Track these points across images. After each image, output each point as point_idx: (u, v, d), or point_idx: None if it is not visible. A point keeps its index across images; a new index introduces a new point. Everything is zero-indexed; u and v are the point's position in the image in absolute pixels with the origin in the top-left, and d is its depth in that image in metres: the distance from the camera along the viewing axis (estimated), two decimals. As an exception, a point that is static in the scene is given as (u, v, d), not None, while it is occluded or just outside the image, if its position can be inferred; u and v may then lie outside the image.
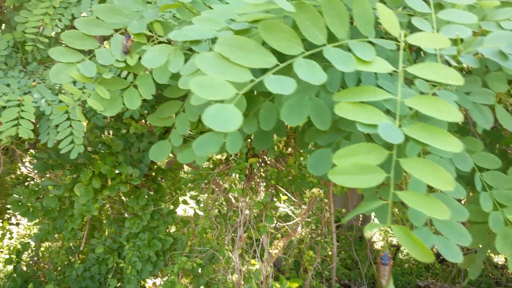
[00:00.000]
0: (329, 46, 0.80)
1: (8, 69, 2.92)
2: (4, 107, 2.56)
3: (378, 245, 9.05)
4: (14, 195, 4.43)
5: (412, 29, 0.90)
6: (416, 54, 1.09)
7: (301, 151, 3.57)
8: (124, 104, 1.25)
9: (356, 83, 0.93)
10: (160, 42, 1.32)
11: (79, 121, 2.72)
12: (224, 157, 4.45)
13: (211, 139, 1.04)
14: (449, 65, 0.87)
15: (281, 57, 0.78)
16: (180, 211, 7.28)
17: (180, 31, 0.97)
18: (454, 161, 1.06)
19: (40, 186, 4.38)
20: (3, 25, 3.37)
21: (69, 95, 2.51)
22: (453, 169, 1.04)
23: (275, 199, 4.18)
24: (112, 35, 1.29)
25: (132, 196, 4.50)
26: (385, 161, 0.73)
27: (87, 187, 3.99)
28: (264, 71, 0.81)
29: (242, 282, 4.31)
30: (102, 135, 4.40)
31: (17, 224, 7.60)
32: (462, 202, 1.23)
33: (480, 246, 1.18)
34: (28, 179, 7.08)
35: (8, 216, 7.25)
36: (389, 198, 0.71)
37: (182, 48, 1.11)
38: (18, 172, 7.94)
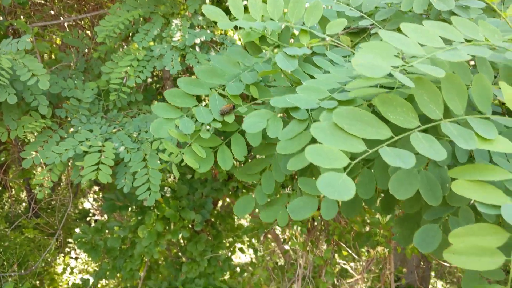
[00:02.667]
0: (446, 122, 0.80)
1: (91, 115, 3.12)
2: (86, 152, 2.71)
3: None
4: (78, 231, 4.61)
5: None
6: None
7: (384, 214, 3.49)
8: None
9: (467, 158, 0.92)
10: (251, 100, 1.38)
11: (157, 169, 2.81)
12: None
13: (308, 203, 1.05)
14: None
15: (393, 130, 0.79)
16: (236, 258, 7.25)
17: (283, 99, 1.00)
18: None
19: (104, 225, 4.54)
20: (87, 73, 3.63)
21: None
22: None
23: (336, 255, 4.08)
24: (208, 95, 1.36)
25: (191, 241, 4.55)
26: (505, 244, 0.70)
27: (150, 229, 4.09)
28: (370, 141, 0.82)
29: None
30: (168, 179, 4.54)
31: (76, 259, 7.87)
32: None
33: None
34: (90, 214, 7.36)
35: (68, 249, 7.53)
36: (509, 284, 0.67)
37: (278, 112, 1.15)
38: (80, 207, 8.30)
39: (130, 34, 3.63)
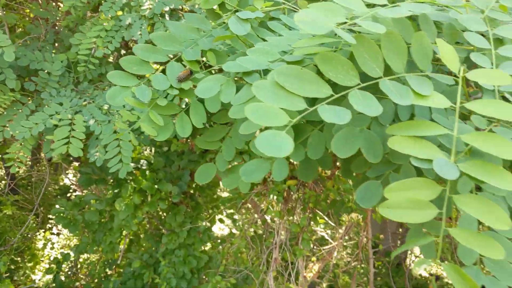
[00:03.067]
0: (385, 79, 0.81)
1: (61, 88, 3.06)
2: (56, 126, 2.67)
3: (417, 272, 8.76)
4: (58, 207, 4.60)
5: (468, 63, 0.90)
6: (474, 90, 1.07)
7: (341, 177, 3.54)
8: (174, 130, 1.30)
9: (409, 117, 0.94)
10: (208, 67, 1.37)
11: (129, 141, 2.80)
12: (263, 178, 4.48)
13: (259, 166, 1.06)
14: (508, 101, 0.86)
15: (334, 88, 0.80)
16: (216, 229, 7.33)
17: (234, 62, 1.00)
18: (508, 199, 1.03)
19: (82, 199, 4.53)
20: (56, 44, 3.55)
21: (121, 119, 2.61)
22: (506, 206, 1.01)
23: (312, 223, 4.15)
24: (167, 62, 1.34)
25: (170, 213, 4.58)
26: (437, 197, 0.72)
27: (127, 202, 4.10)
28: (314, 101, 0.83)
29: (276, 305, 4.28)
30: (144, 152, 4.53)
31: (58, 234, 7.86)
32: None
33: None
34: (71, 190, 7.33)
35: (50, 226, 7.51)
36: (440, 235, 0.70)
37: (234, 78, 1.15)
38: (61, 183, 8.24)
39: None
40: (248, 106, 0.72)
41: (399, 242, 8.50)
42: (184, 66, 1.33)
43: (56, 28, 3.71)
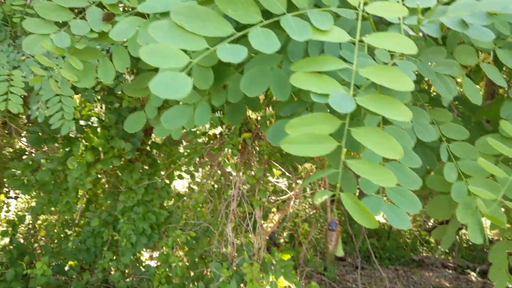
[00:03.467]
0: (288, 16, 0.79)
1: (-4, 42, 2.89)
2: (-6, 82, 2.54)
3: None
4: (11, 169, 4.47)
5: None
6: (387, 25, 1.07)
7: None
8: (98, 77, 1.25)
9: (319, 54, 0.93)
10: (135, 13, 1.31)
11: (70, 96, 2.70)
12: (218, 132, 4.46)
13: (181, 112, 1.04)
14: (409, 35, 0.86)
15: (240, 27, 0.77)
16: (179, 186, 7.33)
17: (146, 4, 0.96)
18: (416, 132, 1.06)
19: (34, 160, 4.41)
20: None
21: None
22: (414, 139, 1.05)
23: (268, 174, 4.21)
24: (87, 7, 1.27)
25: (126, 170, 4.53)
26: (338, 131, 0.73)
27: (79, 160, 4.02)
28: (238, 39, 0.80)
29: (235, 254, 4.38)
30: (95, 109, 4.40)
31: (16, 198, 7.67)
32: (432, 173, 1.24)
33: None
34: (26, 153, 7.11)
35: (7, 189, 7.31)
36: (339, 167, 0.71)
37: (153, 20, 1.10)
38: (17, 146, 7.97)
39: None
40: (144, 48, 0.69)
41: (357, 191, 8.79)
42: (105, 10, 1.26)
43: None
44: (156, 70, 1.40)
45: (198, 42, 0.73)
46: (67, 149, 4.09)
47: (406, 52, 0.72)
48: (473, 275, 6.63)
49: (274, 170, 4.31)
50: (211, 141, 4.18)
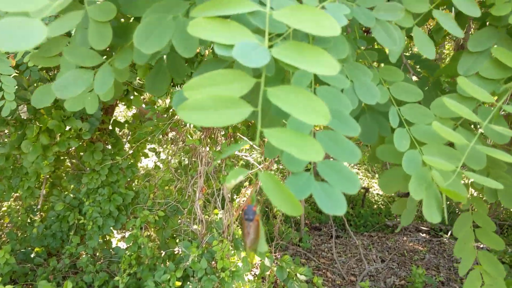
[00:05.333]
0: None
1: None
2: None
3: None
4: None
5: None
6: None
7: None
8: None
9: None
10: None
11: (10, 75, 2.49)
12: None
13: (77, 78, 0.87)
14: None
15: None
16: (151, 165, 7.13)
17: None
18: (358, 93, 0.91)
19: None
20: None
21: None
22: (356, 101, 0.89)
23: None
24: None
25: (87, 151, 4.32)
26: (254, 92, 0.57)
27: (34, 143, 3.78)
28: None
29: (205, 232, 4.26)
30: (47, 88, 4.14)
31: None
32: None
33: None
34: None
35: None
36: (256, 138, 0.56)
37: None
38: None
39: None
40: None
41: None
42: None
43: None
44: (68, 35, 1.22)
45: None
46: (19, 132, 3.84)
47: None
48: (445, 237, 6.71)
49: (239, 143, 4.16)
50: (174, 117, 3.99)
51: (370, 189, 8.85)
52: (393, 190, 1.00)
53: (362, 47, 1.05)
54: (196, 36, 0.55)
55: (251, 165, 5.20)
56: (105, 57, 0.96)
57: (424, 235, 6.97)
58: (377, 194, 8.83)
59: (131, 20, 1.04)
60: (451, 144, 0.90)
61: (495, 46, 0.93)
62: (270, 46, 0.56)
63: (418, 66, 1.33)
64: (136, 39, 0.71)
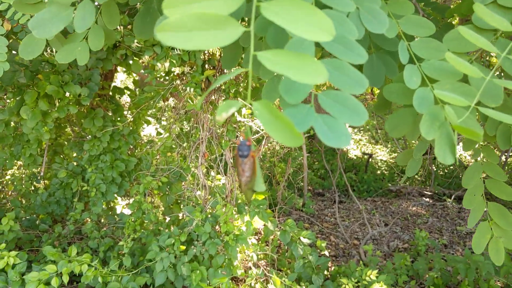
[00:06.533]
0: None
1: None
2: None
3: (352, 154, 9.14)
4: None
5: None
6: None
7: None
8: None
9: None
10: None
11: (1, 35, 2.41)
12: (181, 72, 4.20)
13: (54, 14, 0.81)
14: None
15: None
16: (153, 132, 7.10)
17: None
18: (363, 20, 0.84)
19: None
20: None
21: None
22: (362, 30, 0.83)
23: (236, 113, 4.00)
24: None
25: (87, 118, 4.28)
26: (242, 8, 0.51)
27: (33, 109, 3.73)
28: None
29: (209, 197, 4.26)
30: (45, 53, 4.06)
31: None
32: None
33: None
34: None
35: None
36: (249, 63, 0.50)
37: None
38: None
39: None
40: None
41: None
42: None
43: None
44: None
45: None
46: (18, 98, 3.79)
47: None
48: (449, 201, 6.72)
49: (242, 109, 4.11)
50: (173, 83, 3.92)
51: (373, 155, 8.83)
52: (402, 133, 0.95)
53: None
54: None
55: (254, 132, 5.16)
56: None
57: (427, 199, 6.98)
58: (381, 160, 8.81)
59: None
60: (465, 82, 0.84)
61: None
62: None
63: (428, 8, 1.25)
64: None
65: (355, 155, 8.97)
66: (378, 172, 8.23)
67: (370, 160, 8.26)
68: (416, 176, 7.69)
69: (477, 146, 1.16)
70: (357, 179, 7.70)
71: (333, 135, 0.57)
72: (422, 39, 0.93)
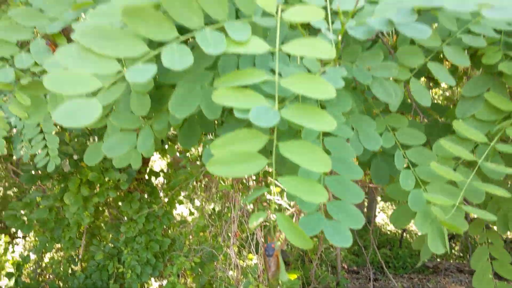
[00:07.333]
0: (206, 29, 0.75)
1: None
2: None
3: (387, 229, 9.00)
4: (9, 210, 4.45)
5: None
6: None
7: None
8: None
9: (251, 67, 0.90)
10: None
11: (52, 132, 2.71)
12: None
13: (123, 139, 1.01)
14: (330, 40, 0.82)
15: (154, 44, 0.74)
16: (185, 212, 7.28)
17: (76, 31, 0.93)
18: (362, 141, 1.01)
19: (32, 199, 4.39)
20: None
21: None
22: (361, 148, 1.00)
23: (265, 193, 4.14)
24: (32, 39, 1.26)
25: (125, 201, 4.50)
26: (269, 146, 0.69)
27: (76, 195, 3.99)
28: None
29: (241, 277, 4.30)
30: (88, 142, 4.40)
31: (24, 238, 7.66)
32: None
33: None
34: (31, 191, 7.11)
35: (14, 230, 7.30)
36: (272, 186, 0.66)
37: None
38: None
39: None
40: (47, 75, 0.65)
41: (365, 202, 8.66)
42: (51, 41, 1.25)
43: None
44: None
45: (109, 65, 0.68)
46: (62, 185, 4.07)
47: (324, 57, 0.68)
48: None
49: (272, 187, 4.25)
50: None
51: (407, 229, 8.67)
52: (404, 225, 1.07)
53: (370, 98, 1.16)
54: (219, 103, 0.68)
55: (284, 209, 5.25)
56: (145, 119, 1.11)
57: (466, 275, 6.72)
58: (415, 234, 8.62)
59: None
60: (453, 182, 0.97)
61: (488, 91, 1.02)
62: (280, 108, 0.68)
63: (429, 108, 1.42)
64: (171, 107, 0.84)
65: (389, 230, 8.82)
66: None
67: (405, 234, 8.11)
68: (453, 251, 7.46)
69: (483, 230, 1.27)
70: (392, 255, 7.53)
71: (339, 237, 0.72)
72: (415, 148, 1.09)
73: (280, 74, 0.77)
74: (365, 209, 8.68)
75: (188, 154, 4.39)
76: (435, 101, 1.48)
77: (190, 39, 0.77)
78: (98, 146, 1.31)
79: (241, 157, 0.66)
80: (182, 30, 0.73)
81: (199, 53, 0.79)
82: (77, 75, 0.66)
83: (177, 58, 0.68)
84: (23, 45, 1.23)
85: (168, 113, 1.03)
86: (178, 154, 4.64)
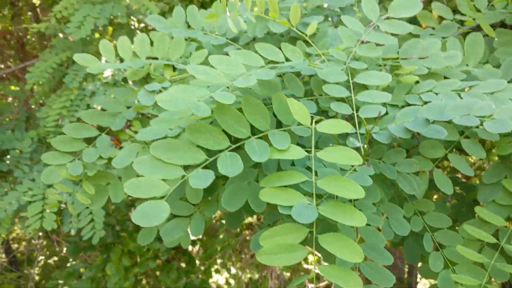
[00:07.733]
0: (252, 139, 0.90)
1: (33, 164, 3.15)
2: (30, 202, 2.74)
3: None
4: (51, 280, 4.60)
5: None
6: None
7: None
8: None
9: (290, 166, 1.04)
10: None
11: (99, 208, 2.88)
12: (249, 222, 4.51)
13: (177, 225, 1.14)
14: (357, 146, 0.96)
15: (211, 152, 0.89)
16: (221, 280, 7.23)
17: (140, 133, 1.09)
18: (392, 227, 1.11)
19: (76, 268, 4.53)
20: (30, 120, 3.67)
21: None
22: (391, 233, 1.10)
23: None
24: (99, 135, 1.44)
25: (163, 271, 4.58)
26: (307, 238, 0.80)
27: (117, 266, 4.11)
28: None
29: None
30: (129, 213, 4.57)
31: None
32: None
33: None
34: (70, 260, 7.27)
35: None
36: (312, 273, 0.77)
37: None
38: (63, 254, 8.18)
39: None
40: (127, 182, 0.80)
41: (406, 267, 8.35)
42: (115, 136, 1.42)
43: (27, 105, 3.84)
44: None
45: (175, 171, 0.84)
46: (105, 256, 4.21)
47: (353, 163, 0.81)
48: None
49: (309, 256, 4.26)
50: (242, 232, 4.22)
51: None
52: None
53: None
54: (265, 200, 0.80)
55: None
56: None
57: None
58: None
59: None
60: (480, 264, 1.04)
61: (506, 178, 1.12)
62: (318, 204, 0.80)
63: (457, 187, 1.51)
64: (224, 202, 0.99)
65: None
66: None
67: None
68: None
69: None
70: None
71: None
72: (443, 230, 1.18)
73: (316, 173, 0.90)
74: (405, 275, 8.37)
75: (223, 221, 4.48)
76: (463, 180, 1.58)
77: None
78: (153, 229, 1.44)
79: (285, 249, 0.78)
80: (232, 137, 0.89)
81: (245, 153, 0.94)
82: (150, 181, 0.81)
83: (230, 164, 0.83)
84: (91, 140, 1.42)
85: (217, 202, 1.17)
86: (214, 221, 4.74)
